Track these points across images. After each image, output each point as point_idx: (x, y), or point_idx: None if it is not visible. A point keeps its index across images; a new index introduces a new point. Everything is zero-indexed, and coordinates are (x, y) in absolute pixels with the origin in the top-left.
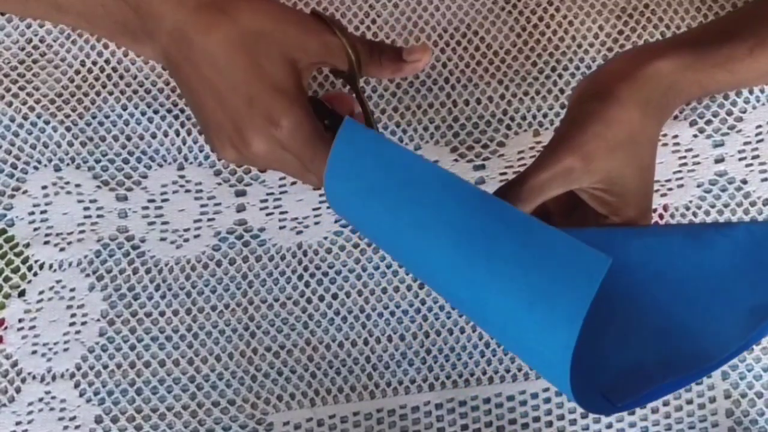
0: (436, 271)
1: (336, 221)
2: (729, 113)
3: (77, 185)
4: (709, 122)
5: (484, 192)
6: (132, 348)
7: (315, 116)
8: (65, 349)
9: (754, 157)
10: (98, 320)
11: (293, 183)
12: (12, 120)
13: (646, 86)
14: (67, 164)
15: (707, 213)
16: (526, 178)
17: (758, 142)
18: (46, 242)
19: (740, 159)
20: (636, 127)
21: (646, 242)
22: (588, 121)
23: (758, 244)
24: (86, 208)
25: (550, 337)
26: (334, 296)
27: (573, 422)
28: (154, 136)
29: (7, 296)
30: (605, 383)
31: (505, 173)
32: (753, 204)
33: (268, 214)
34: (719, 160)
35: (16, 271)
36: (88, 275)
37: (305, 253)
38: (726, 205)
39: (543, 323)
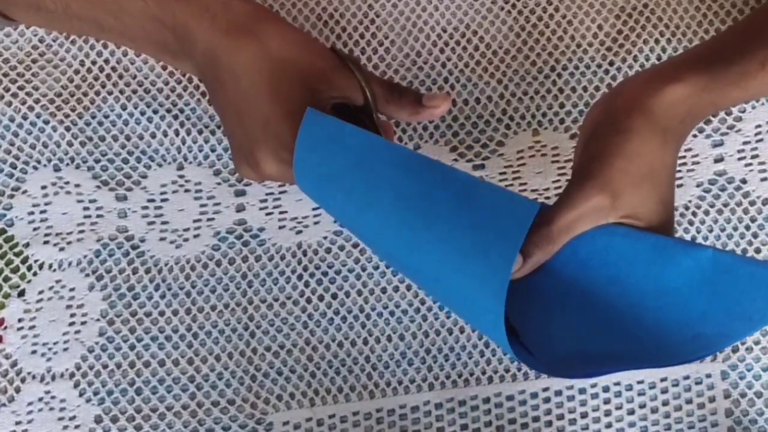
0: (386, 244)
1: (336, 221)
2: (728, 113)
3: (77, 185)
4: (708, 122)
5: (429, 159)
6: (132, 348)
7: None
8: (65, 349)
9: (753, 157)
10: (98, 320)
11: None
12: (12, 120)
13: (664, 116)
14: (67, 164)
15: (707, 213)
16: (555, 217)
17: (757, 141)
18: (46, 242)
19: (739, 159)
20: (656, 158)
21: (613, 242)
22: (610, 156)
23: (719, 273)
24: (86, 208)
25: (486, 282)
26: (334, 296)
27: (573, 422)
28: (153, 136)
29: (6, 296)
30: (549, 358)
31: (504, 173)
32: (752, 203)
33: (267, 214)
34: (718, 160)
35: (15, 271)
36: (87, 275)
37: (305, 253)
38: (725, 205)
39: (479, 271)
